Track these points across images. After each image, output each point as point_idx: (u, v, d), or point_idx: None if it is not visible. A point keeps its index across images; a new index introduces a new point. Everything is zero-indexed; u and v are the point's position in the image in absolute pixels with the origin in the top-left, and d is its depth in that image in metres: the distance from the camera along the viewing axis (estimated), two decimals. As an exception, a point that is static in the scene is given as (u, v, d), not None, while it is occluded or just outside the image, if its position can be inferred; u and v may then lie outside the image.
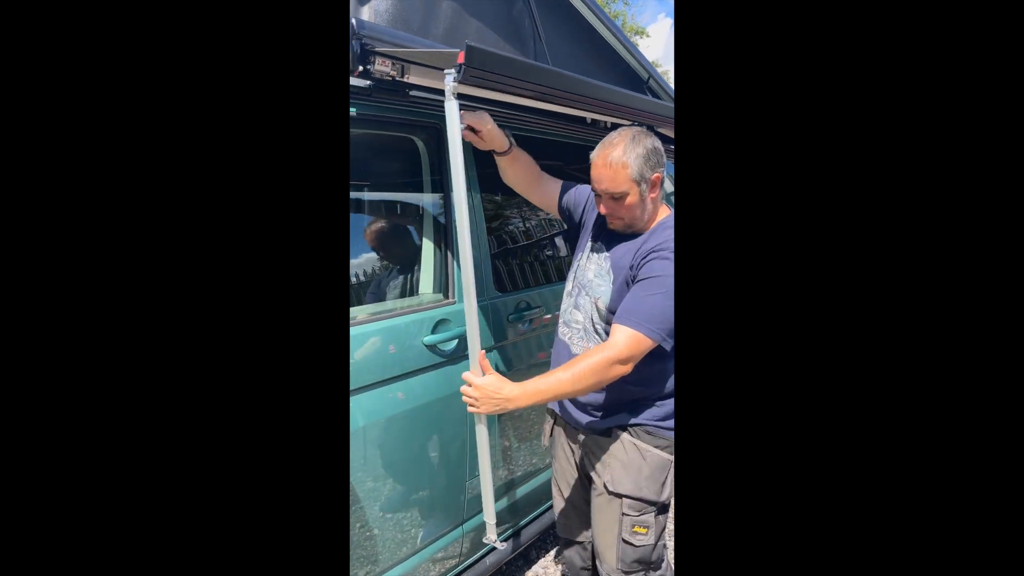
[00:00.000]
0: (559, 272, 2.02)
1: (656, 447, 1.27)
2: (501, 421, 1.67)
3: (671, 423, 1.28)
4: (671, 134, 2.12)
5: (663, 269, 1.16)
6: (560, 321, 1.39)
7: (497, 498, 1.70)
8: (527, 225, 1.99)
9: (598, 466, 1.33)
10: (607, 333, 1.25)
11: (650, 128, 1.78)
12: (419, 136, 1.50)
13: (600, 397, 1.29)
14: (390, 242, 1.58)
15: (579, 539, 1.51)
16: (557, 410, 1.44)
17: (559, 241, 2.13)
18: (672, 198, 2.43)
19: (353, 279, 1.49)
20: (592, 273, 1.32)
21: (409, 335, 1.38)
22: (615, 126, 1.90)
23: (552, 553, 2.11)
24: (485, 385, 1.16)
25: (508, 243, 1.85)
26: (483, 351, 1.20)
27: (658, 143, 1.22)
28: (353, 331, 1.26)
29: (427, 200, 1.57)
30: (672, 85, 2.60)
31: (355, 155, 1.40)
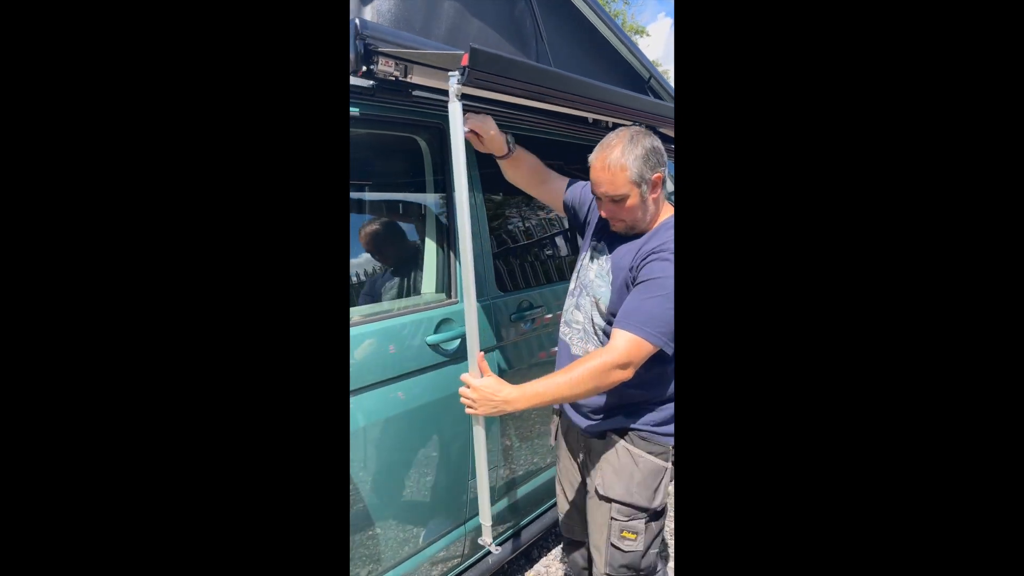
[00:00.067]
0: (560, 272, 2.02)
1: (650, 453, 1.25)
2: (503, 420, 1.68)
3: (669, 428, 1.26)
4: (672, 134, 2.13)
5: (663, 271, 1.14)
6: (562, 321, 1.39)
7: (498, 497, 1.70)
8: (529, 224, 1.99)
9: (593, 469, 1.33)
10: (606, 334, 1.25)
11: (651, 128, 1.79)
12: (421, 136, 1.50)
13: (597, 400, 1.28)
14: (393, 242, 1.59)
15: (580, 539, 1.52)
16: (562, 410, 1.44)
17: (561, 241, 2.13)
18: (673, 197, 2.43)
19: (356, 279, 1.49)
20: (593, 273, 1.31)
21: (412, 335, 1.38)
22: (617, 126, 1.90)
23: (554, 552, 2.12)
24: (483, 387, 1.16)
25: (510, 243, 1.86)
26: (482, 352, 1.20)
27: (658, 142, 1.20)
28: (356, 331, 1.27)
29: (430, 200, 1.58)
30: (672, 84, 2.60)
31: (358, 155, 1.40)
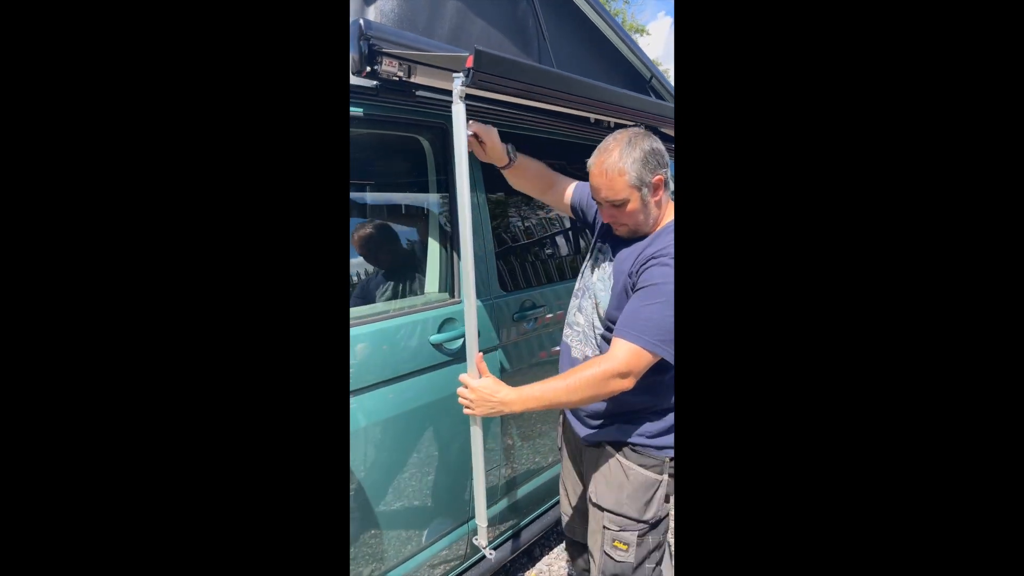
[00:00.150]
0: (561, 271, 2.03)
1: (641, 466, 1.23)
2: (504, 420, 1.68)
3: (665, 440, 1.23)
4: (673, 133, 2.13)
5: (663, 276, 1.11)
6: (566, 322, 1.39)
7: (500, 496, 1.71)
8: (531, 224, 1.99)
9: (588, 476, 1.33)
10: (605, 340, 1.23)
11: (652, 129, 1.79)
12: (424, 136, 1.50)
13: (596, 407, 1.26)
14: (395, 241, 1.59)
15: (582, 541, 1.52)
16: (565, 414, 1.44)
17: (562, 240, 2.14)
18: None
19: (359, 278, 1.49)
20: (596, 276, 1.30)
21: (416, 334, 1.39)
22: (619, 125, 1.91)
23: (555, 551, 2.13)
24: (481, 388, 1.16)
25: (512, 242, 1.86)
26: (481, 353, 1.20)
27: (658, 144, 1.18)
28: (360, 330, 1.27)
29: (432, 200, 1.58)
30: (672, 84, 2.60)
31: (362, 155, 1.41)
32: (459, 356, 1.46)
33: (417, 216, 1.61)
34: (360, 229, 1.49)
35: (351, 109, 1.26)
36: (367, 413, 1.28)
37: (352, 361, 1.24)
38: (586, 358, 1.26)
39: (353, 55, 1.18)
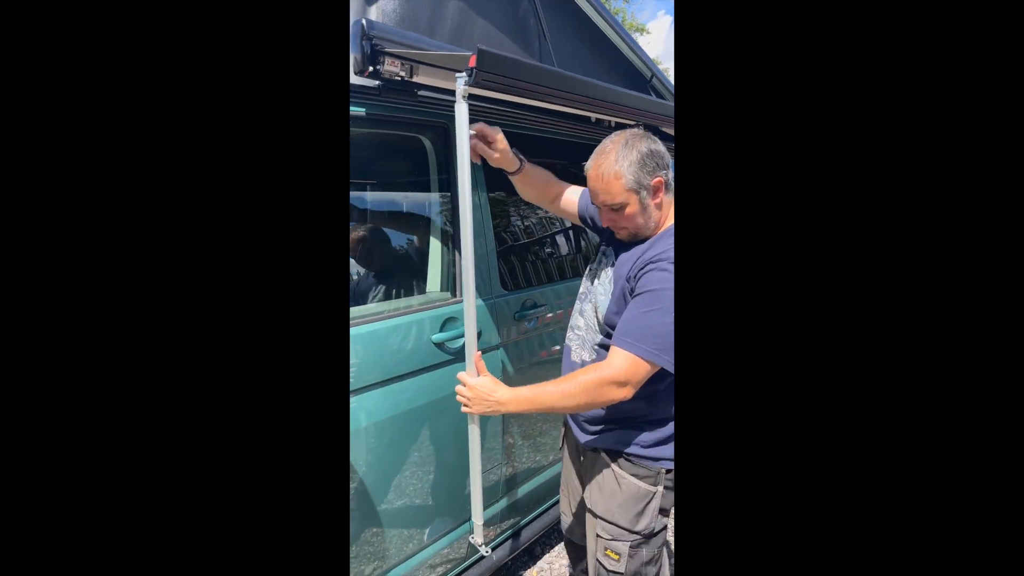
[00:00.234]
0: (562, 271, 2.03)
1: (634, 476, 1.21)
2: (505, 419, 1.69)
3: (662, 450, 1.20)
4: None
5: (661, 282, 1.08)
6: (569, 324, 1.38)
7: (500, 495, 1.72)
8: (532, 223, 2.00)
9: (585, 481, 1.32)
10: (602, 346, 1.22)
11: (653, 129, 1.79)
12: (426, 136, 1.51)
13: (594, 413, 1.25)
14: (397, 241, 1.60)
15: (580, 543, 1.52)
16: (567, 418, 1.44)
17: (563, 239, 2.14)
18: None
19: (361, 278, 1.50)
20: (598, 280, 1.28)
21: (418, 333, 1.39)
22: (620, 125, 1.91)
23: (556, 549, 2.13)
24: (478, 386, 1.17)
25: (514, 241, 1.86)
26: (479, 352, 1.21)
27: (656, 145, 1.15)
28: (362, 329, 1.28)
29: (434, 199, 1.58)
30: (672, 83, 2.61)
31: (364, 154, 1.41)
32: (461, 355, 1.46)
33: (419, 215, 1.61)
34: (362, 229, 1.49)
35: (354, 109, 1.26)
36: (369, 412, 1.29)
37: (354, 360, 1.24)
38: (584, 363, 1.26)
39: (355, 55, 1.19)
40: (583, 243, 2.17)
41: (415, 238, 1.60)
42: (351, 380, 1.24)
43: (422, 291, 1.53)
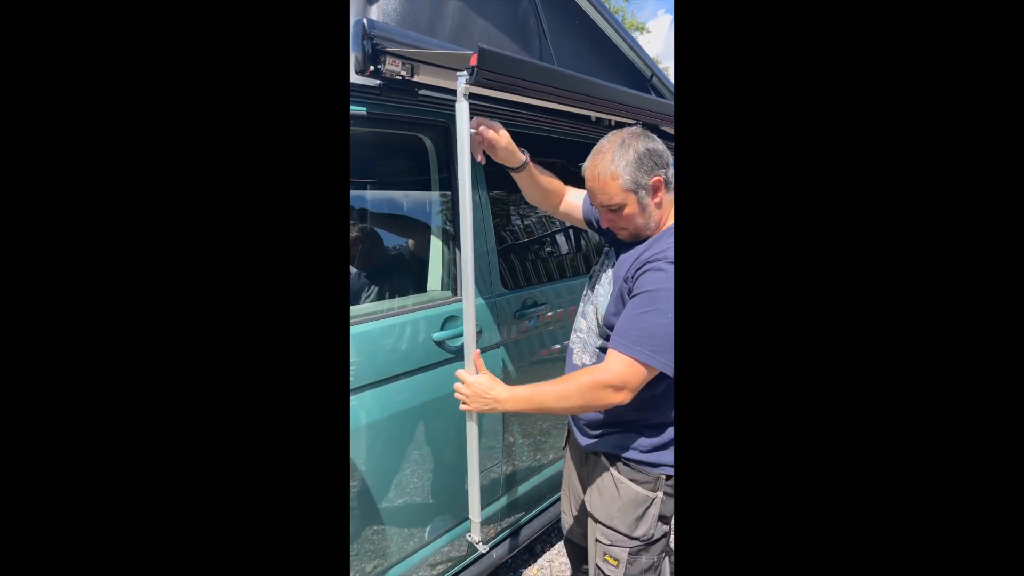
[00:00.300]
0: (562, 269, 2.04)
1: (633, 481, 1.19)
2: (505, 417, 1.69)
3: (661, 456, 1.18)
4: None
5: (657, 282, 1.05)
6: (573, 326, 1.37)
7: (501, 493, 1.72)
8: (533, 222, 2.00)
9: (586, 485, 1.31)
10: (602, 349, 1.20)
11: (653, 128, 1.80)
12: (427, 135, 1.51)
13: (592, 416, 1.24)
14: (398, 239, 1.60)
15: (580, 543, 1.51)
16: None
17: (563, 238, 2.14)
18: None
19: (363, 276, 1.50)
20: (600, 281, 1.27)
21: (419, 331, 1.39)
22: (620, 124, 1.91)
23: (556, 547, 2.14)
24: (476, 384, 1.17)
25: (514, 240, 1.87)
26: (478, 350, 1.21)
27: (654, 144, 1.13)
28: (362, 328, 1.28)
29: (435, 198, 1.59)
30: (672, 82, 2.61)
31: (365, 154, 1.42)
32: (461, 354, 1.47)
33: (419, 215, 1.62)
34: (363, 228, 1.49)
35: (355, 108, 1.26)
36: (371, 410, 1.29)
37: (354, 359, 1.25)
38: (584, 365, 1.25)
39: (356, 54, 1.19)
40: (583, 242, 2.18)
41: (416, 237, 1.60)
42: (352, 378, 1.25)
43: (423, 290, 1.53)
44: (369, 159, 1.46)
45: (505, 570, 2.00)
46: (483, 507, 1.64)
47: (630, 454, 1.19)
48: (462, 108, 1.14)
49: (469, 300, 1.21)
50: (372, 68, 1.21)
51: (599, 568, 1.25)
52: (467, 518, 1.57)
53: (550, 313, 1.82)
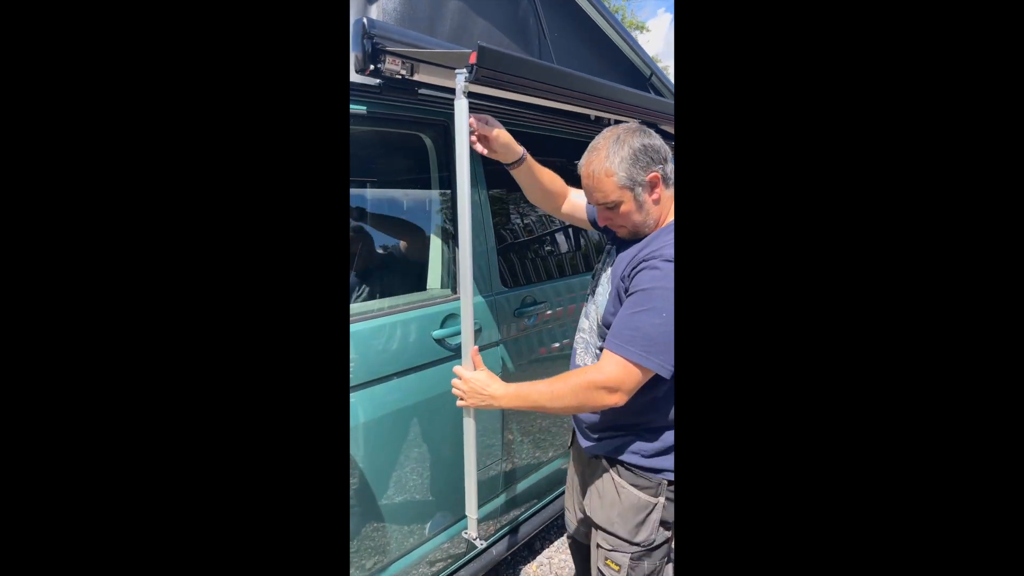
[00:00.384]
0: (562, 268, 2.04)
1: (634, 486, 1.17)
2: (506, 413, 1.70)
3: (663, 461, 1.15)
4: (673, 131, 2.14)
5: (652, 281, 1.03)
6: (577, 326, 1.37)
7: (500, 490, 1.73)
8: (532, 221, 2.01)
9: (587, 488, 1.30)
10: (600, 350, 1.18)
11: (651, 126, 1.80)
12: (427, 134, 1.52)
13: (590, 418, 1.23)
14: (398, 238, 1.61)
15: (583, 541, 1.51)
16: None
17: (563, 237, 2.15)
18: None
19: (362, 275, 1.51)
20: (601, 280, 1.26)
21: (418, 329, 1.40)
22: (619, 123, 1.92)
23: (556, 544, 2.15)
24: (473, 380, 1.17)
25: (514, 238, 1.87)
26: (476, 347, 1.22)
27: (650, 139, 1.10)
28: (362, 326, 1.29)
29: (435, 196, 1.59)
30: (672, 81, 2.62)
31: (365, 152, 1.42)
32: (460, 351, 1.48)
33: (419, 213, 1.62)
34: (363, 226, 1.50)
35: (355, 107, 1.27)
36: (370, 408, 1.30)
37: (354, 357, 1.25)
38: (585, 366, 1.24)
39: (357, 53, 1.20)
40: (583, 240, 2.18)
41: (415, 235, 1.61)
42: (351, 376, 1.25)
43: (423, 288, 1.54)
44: (369, 158, 1.47)
45: (504, 567, 2.01)
46: (482, 504, 1.65)
47: (632, 459, 1.16)
48: (461, 106, 1.14)
49: (467, 298, 1.22)
50: (372, 67, 1.22)
51: (601, 573, 1.24)
52: (464, 516, 1.59)
53: (549, 311, 1.83)
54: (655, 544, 1.19)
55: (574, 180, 1.47)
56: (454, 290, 1.53)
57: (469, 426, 1.29)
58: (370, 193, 1.53)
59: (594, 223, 1.41)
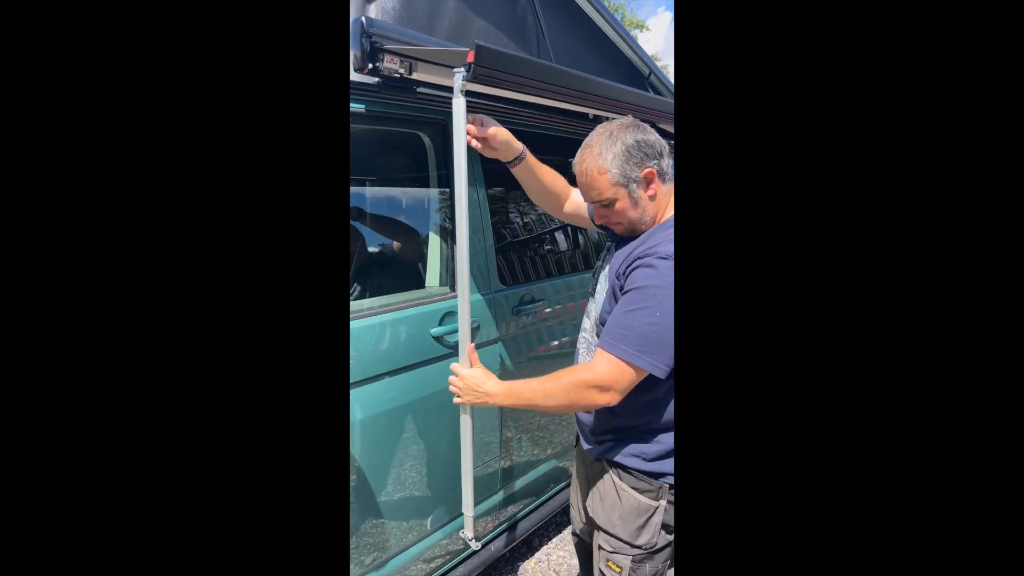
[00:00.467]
0: (560, 266, 2.05)
1: (635, 489, 1.15)
2: (503, 410, 1.71)
3: (664, 465, 1.13)
4: (673, 129, 2.15)
5: (647, 278, 1.01)
6: (580, 326, 1.36)
7: (498, 487, 1.74)
8: (531, 220, 2.01)
9: (589, 489, 1.30)
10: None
11: (650, 125, 1.80)
12: (425, 132, 1.53)
13: (589, 421, 1.22)
14: (396, 236, 1.62)
15: (586, 539, 1.51)
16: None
17: (562, 235, 2.16)
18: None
19: (362, 273, 1.52)
20: (599, 279, 1.25)
21: (417, 327, 1.41)
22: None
23: (554, 541, 2.16)
24: (469, 377, 1.18)
25: (513, 237, 1.88)
26: (472, 344, 1.23)
27: (643, 134, 1.08)
28: (362, 323, 1.30)
29: (433, 195, 1.60)
30: (672, 79, 2.62)
31: (364, 151, 1.43)
32: (459, 349, 1.48)
33: (418, 211, 1.63)
34: (362, 225, 1.51)
35: (353, 106, 1.28)
36: (368, 405, 1.31)
37: (353, 354, 1.26)
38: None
39: (355, 52, 1.20)
40: (582, 239, 2.19)
41: (414, 234, 1.62)
42: (350, 373, 1.26)
43: (421, 286, 1.55)
44: (368, 156, 1.48)
45: (503, 563, 2.02)
46: (480, 501, 1.66)
47: (633, 463, 1.15)
48: (459, 104, 1.15)
49: (464, 295, 1.23)
50: (370, 66, 1.22)
51: (602, 574, 1.24)
52: (462, 514, 1.59)
53: (548, 309, 1.84)
54: (657, 547, 1.18)
55: (574, 179, 1.48)
56: (453, 288, 1.54)
57: (466, 424, 1.30)
58: (369, 192, 1.54)
59: (594, 222, 1.40)
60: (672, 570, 1.28)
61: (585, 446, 1.27)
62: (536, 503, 1.91)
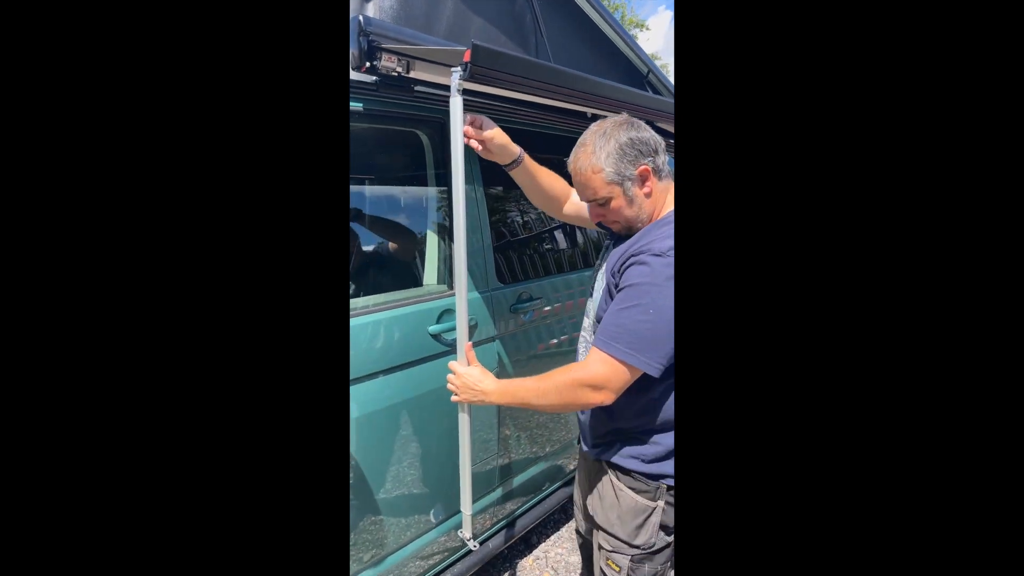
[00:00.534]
0: (559, 264, 2.05)
1: (633, 490, 1.16)
2: (502, 408, 1.71)
3: (662, 467, 1.12)
4: (672, 129, 2.15)
5: (641, 276, 1.00)
6: (582, 325, 1.36)
7: (496, 484, 1.74)
8: (530, 218, 2.02)
9: (590, 489, 1.30)
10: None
11: (649, 124, 1.81)
12: (423, 131, 1.53)
13: (588, 422, 1.22)
14: (394, 234, 1.62)
15: (590, 538, 1.52)
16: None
17: (561, 233, 2.16)
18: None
19: (361, 271, 1.52)
20: (597, 277, 1.25)
21: (416, 324, 1.42)
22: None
23: (552, 538, 2.16)
24: (466, 375, 1.18)
25: (511, 235, 1.89)
26: (470, 343, 1.23)
27: (638, 132, 1.08)
28: (360, 320, 1.30)
29: (431, 193, 1.61)
30: (672, 79, 2.63)
31: (362, 149, 1.43)
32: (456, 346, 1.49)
33: (416, 210, 1.63)
34: (361, 223, 1.51)
35: (352, 104, 1.28)
36: (367, 402, 1.31)
37: (352, 351, 1.27)
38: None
39: (353, 51, 1.21)
40: (580, 237, 2.19)
41: (412, 231, 1.62)
42: (350, 370, 1.27)
43: (419, 284, 1.56)
44: (366, 155, 1.48)
45: (501, 560, 2.02)
46: (479, 498, 1.67)
47: (631, 464, 1.14)
48: (456, 104, 1.15)
49: (462, 293, 1.23)
50: (368, 64, 1.23)
51: (603, 572, 1.24)
52: (459, 511, 1.60)
53: (547, 308, 1.84)
54: (656, 548, 1.17)
55: (567, 177, 1.49)
56: (451, 286, 1.55)
57: (464, 422, 1.30)
58: (367, 190, 1.54)
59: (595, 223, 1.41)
60: (672, 572, 1.28)
61: (584, 447, 1.27)
62: (534, 500, 1.92)
